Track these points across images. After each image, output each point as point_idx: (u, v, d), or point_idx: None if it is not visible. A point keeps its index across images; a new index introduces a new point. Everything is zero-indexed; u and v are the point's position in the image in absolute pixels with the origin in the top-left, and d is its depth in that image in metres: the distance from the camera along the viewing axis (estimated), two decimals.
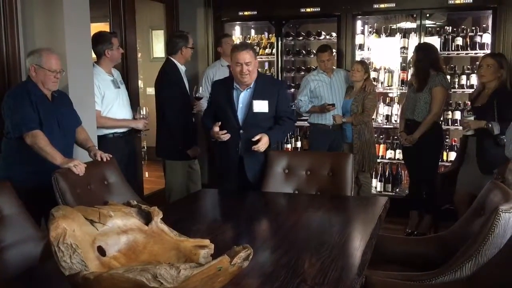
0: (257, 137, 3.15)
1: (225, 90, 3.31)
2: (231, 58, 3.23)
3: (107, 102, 3.76)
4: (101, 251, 1.58)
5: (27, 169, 2.94)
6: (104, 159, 3.07)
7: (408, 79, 4.72)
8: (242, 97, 3.28)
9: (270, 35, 5.77)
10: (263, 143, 3.15)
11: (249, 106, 3.25)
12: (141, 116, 4.01)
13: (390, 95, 5.24)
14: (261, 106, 3.25)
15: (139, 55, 5.72)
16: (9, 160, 3.02)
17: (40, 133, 2.85)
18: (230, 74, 3.38)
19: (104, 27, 4.57)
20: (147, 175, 6.14)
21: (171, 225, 1.75)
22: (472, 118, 3.66)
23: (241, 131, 3.24)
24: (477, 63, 4.09)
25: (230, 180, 3.33)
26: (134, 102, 4.36)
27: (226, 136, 3.18)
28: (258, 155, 3.24)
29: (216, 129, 3.18)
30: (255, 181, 3.26)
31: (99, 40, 3.75)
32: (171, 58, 4.11)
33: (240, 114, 3.27)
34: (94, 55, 3.80)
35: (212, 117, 3.36)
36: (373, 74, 5.04)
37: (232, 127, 3.23)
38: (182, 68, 4.13)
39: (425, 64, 4.17)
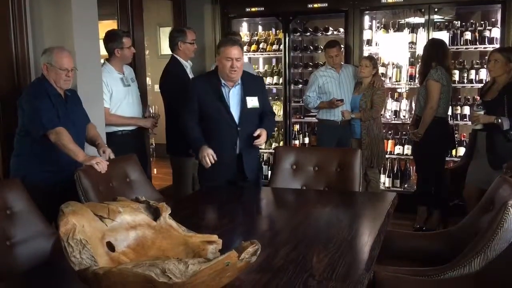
0: (257, 132, 3.10)
1: (212, 88, 3.16)
2: (219, 53, 3.11)
3: (116, 100, 3.78)
4: (110, 246, 1.59)
5: (40, 167, 2.97)
6: (111, 157, 3.05)
7: None
8: (232, 94, 3.18)
9: (277, 31, 5.76)
10: (264, 137, 3.12)
11: (242, 103, 3.18)
12: (151, 115, 4.03)
13: (399, 90, 5.22)
14: (253, 102, 3.20)
15: (146, 52, 5.74)
16: (22, 158, 3.04)
17: (63, 130, 2.86)
18: (213, 71, 3.25)
19: (112, 24, 4.60)
20: (155, 172, 6.18)
21: (179, 220, 1.76)
22: (482, 112, 3.64)
23: (238, 128, 3.16)
24: (486, 57, 4.06)
25: (226, 178, 3.20)
26: (143, 99, 4.37)
27: (208, 164, 3.05)
28: (254, 152, 3.22)
29: (210, 151, 3.05)
30: (252, 178, 3.23)
31: (110, 39, 3.77)
32: (174, 55, 4.12)
33: (234, 111, 3.16)
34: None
35: (198, 120, 3.19)
36: (381, 70, 5.02)
37: (228, 125, 3.15)
38: (186, 64, 4.12)
39: (426, 58, 4.24)
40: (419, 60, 4.53)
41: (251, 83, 3.27)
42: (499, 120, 3.51)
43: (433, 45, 4.29)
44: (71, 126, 3.00)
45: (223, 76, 3.15)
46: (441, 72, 4.12)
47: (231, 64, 3.06)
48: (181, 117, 3.27)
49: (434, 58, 4.18)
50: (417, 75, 4.81)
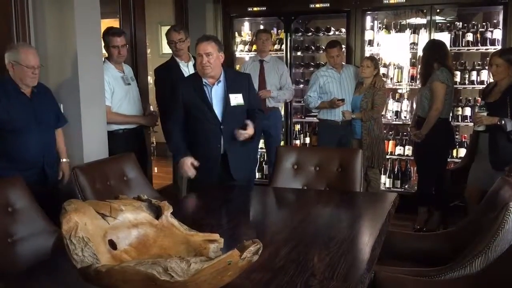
0: (249, 128, 3.07)
1: (194, 87, 3.14)
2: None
3: (117, 98, 3.78)
4: (112, 244, 1.59)
5: (6, 164, 2.96)
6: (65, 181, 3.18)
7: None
8: (214, 92, 3.14)
9: (279, 31, 5.76)
10: (250, 130, 3.07)
11: (225, 100, 3.13)
12: (151, 113, 4.03)
13: (400, 91, 5.22)
14: (237, 99, 3.15)
15: (148, 51, 5.74)
16: None
17: None
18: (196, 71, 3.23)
19: (114, 23, 4.59)
20: (156, 171, 6.18)
21: (181, 219, 1.76)
22: (485, 114, 3.63)
23: (221, 126, 3.11)
24: (488, 59, 4.06)
25: (211, 178, 3.15)
26: (144, 98, 4.37)
27: (193, 173, 3.05)
28: (242, 152, 3.17)
29: (190, 161, 3.04)
30: (239, 178, 3.18)
31: (102, 36, 3.77)
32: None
33: (217, 109, 3.13)
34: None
35: (182, 124, 3.17)
36: (382, 70, 5.02)
37: (211, 124, 3.11)
38: (180, 63, 4.09)
39: (428, 59, 4.22)
40: (421, 61, 4.50)
41: (235, 80, 3.23)
42: (503, 122, 3.51)
43: (434, 46, 4.29)
44: (33, 123, 3.00)
45: (200, 73, 3.13)
46: (446, 73, 4.12)
47: (201, 60, 3.04)
48: (166, 119, 3.23)
49: (436, 59, 4.18)
50: (418, 76, 4.81)
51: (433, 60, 4.18)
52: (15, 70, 2.94)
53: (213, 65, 3.06)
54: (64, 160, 3.28)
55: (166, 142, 3.49)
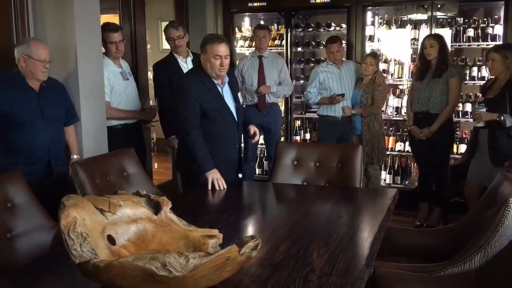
0: (253, 130, 3.12)
1: (208, 89, 3.01)
2: (206, 50, 2.94)
3: (116, 94, 3.77)
4: (111, 240, 1.59)
5: (11, 159, 2.94)
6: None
7: (415, 71, 4.53)
8: (225, 93, 3.09)
9: (279, 27, 5.75)
10: (258, 134, 3.16)
11: (235, 100, 3.13)
12: (150, 108, 4.03)
13: (400, 87, 5.20)
14: (240, 98, 3.20)
15: (148, 46, 5.73)
16: None
17: None
18: (199, 70, 3.06)
19: (113, 18, 4.58)
20: (156, 166, 6.18)
21: (180, 215, 1.76)
22: (484, 110, 3.63)
23: (238, 127, 3.13)
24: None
25: (230, 177, 3.06)
26: (144, 93, 4.36)
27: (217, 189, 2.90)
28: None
29: (219, 176, 2.90)
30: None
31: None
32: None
33: (232, 110, 3.10)
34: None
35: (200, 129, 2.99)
36: (383, 66, 5.01)
37: (230, 124, 3.09)
38: (180, 58, 4.08)
39: (446, 53, 4.12)
40: (432, 54, 4.10)
41: (233, 79, 3.23)
42: (502, 117, 3.51)
43: (445, 41, 4.21)
44: (40, 118, 2.99)
45: (211, 75, 3.00)
46: (461, 69, 4.09)
47: (220, 63, 2.93)
48: (184, 131, 3.00)
49: (449, 54, 4.13)
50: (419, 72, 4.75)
51: (449, 54, 4.12)
52: (27, 64, 2.94)
53: (227, 67, 3.01)
54: (75, 156, 3.25)
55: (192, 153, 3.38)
